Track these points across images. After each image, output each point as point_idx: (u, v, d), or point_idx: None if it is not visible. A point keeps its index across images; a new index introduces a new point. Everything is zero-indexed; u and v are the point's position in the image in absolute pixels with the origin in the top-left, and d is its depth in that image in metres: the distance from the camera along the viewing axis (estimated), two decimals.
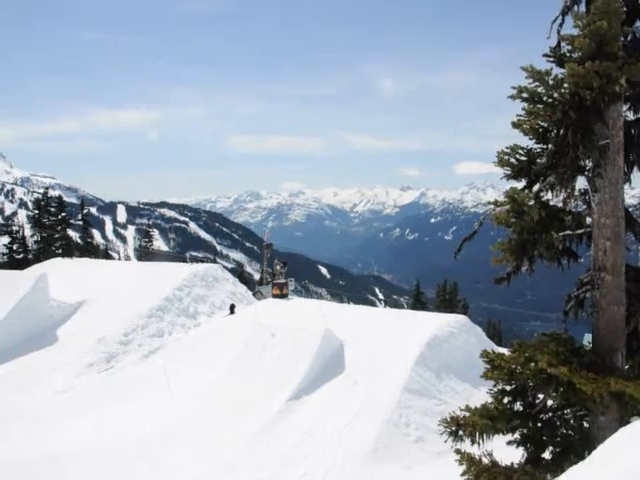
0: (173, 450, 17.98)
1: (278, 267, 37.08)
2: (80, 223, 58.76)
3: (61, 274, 34.09)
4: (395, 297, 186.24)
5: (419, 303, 54.54)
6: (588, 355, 8.09)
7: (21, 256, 50.27)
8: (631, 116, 8.69)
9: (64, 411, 20.89)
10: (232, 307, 30.86)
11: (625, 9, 7.77)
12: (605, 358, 8.11)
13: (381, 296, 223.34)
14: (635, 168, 8.81)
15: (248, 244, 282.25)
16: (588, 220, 8.62)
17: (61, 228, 51.27)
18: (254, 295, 36.97)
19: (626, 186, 8.54)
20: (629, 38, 8.22)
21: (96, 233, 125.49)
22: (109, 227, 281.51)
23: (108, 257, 76.90)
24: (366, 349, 22.62)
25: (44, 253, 47.38)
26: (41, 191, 54.12)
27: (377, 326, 25.04)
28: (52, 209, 51.83)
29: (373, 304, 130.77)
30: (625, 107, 8.45)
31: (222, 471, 16.62)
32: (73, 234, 57.94)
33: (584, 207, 8.77)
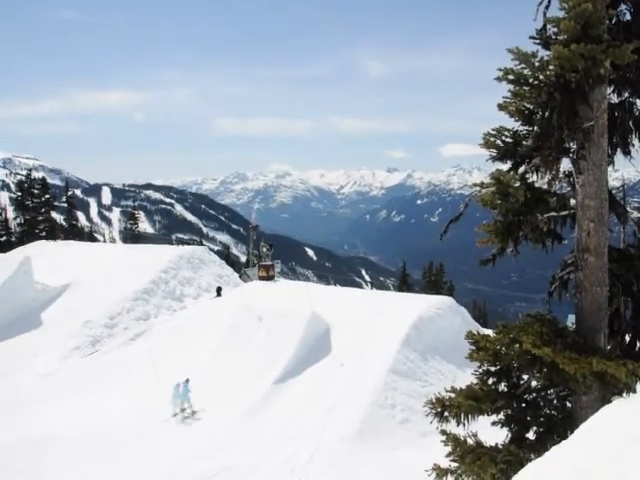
0: (159, 433, 18.03)
1: (264, 249, 37.05)
2: (64, 205, 58.25)
3: (45, 257, 33.84)
4: (381, 279, 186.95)
5: (405, 285, 54.77)
6: (571, 336, 8.15)
7: (4, 239, 49.91)
8: (615, 99, 8.70)
9: (48, 395, 20.84)
10: (219, 289, 30.84)
11: None
12: (588, 338, 8.18)
13: (367, 278, 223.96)
14: (618, 150, 8.83)
15: (234, 226, 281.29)
16: (572, 202, 8.64)
17: (45, 210, 50.83)
18: (240, 277, 36.96)
19: (610, 168, 8.57)
20: (613, 21, 8.20)
21: (81, 215, 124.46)
22: (94, 209, 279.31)
23: (93, 240, 76.40)
24: (352, 331, 22.71)
25: (28, 236, 46.98)
26: (24, 173, 53.40)
27: (363, 308, 25.13)
28: (35, 191, 51.32)
29: (359, 286, 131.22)
30: (609, 90, 8.45)
31: (209, 454, 16.70)
32: (57, 216, 57.46)
33: (569, 189, 8.78)
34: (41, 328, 26.91)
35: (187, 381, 19.56)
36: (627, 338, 8.88)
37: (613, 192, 8.93)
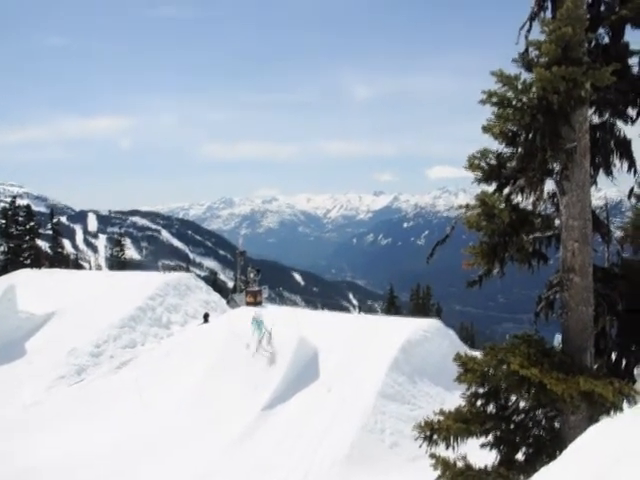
0: (147, 463, 17.74)
1: (252, 274, 36.89)
2: (50, 232, 57.89)
3: (30, 285, 33.46)
4: (369, 302, 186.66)
5: (393, 308, 54.76)
6: (558, 355, 8.17)
7: None
8: (596, 120, 8.84)
9: (33, 426, 20.45)
10: (206, 316, 30.62)
11: (589, 16, 7.92)
12: (574, 358, 8.20)
13: (355, 302, 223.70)
14: (601, 171, 8.95)
15: (221, 252, 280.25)
16: (557, 222, 8.72)
17: (29, 238, 50.41)
18: (228, 303, 36.75)
19: (593, 188, 8.67)
20: (593, 44, 8.37)
21: (66, 242, 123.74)
22: (80, 236, 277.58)
23: (79, 267, 75.87)
24: (340, 355, 22.61)
25: (12, 264, 46.46)
26: (8, 200, 52.98)
27: (351, 332, 25.04)
28: (20, 218, 50.90)
29: (347, 310, 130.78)
30: (591, 111, 8.60)
31: None
32: (42, 244, 57.05)
33: (553, 210, 8.87)
34: (25, 357, 26.50)
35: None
36: (613, 357, 8.92)
37: (596, 212, 9.03)
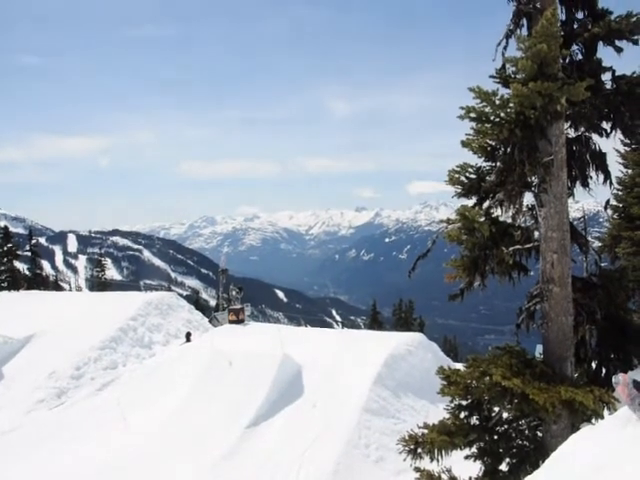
0: None
1: (234, 292, 36.79)
2: (28, 254, 57.20)
3: (7, 308, 33.04)
4: (352, 318, 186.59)
5: (376, 323, 54.73)
6: (540, 366, 8.26)
7: None
8: (572, 134, 9.03)
9: (12, 451, 20.03)
10: (188, 335, 30.43)
11: (562, 33, 8.12)
12: (555, 367, 8.30)
13: (338, 318, 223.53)
14: (578, 183, 9.11)
15: (204, 270, 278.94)
16: (536, 234, 8.86)
17: (7, 260, 49.72)
18: (210, 322, 36.56)
19: (570, 200, 8.83)
20: (567, 60, 8.57)
21: (45, 264, 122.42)
22: (59, 257, 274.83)
23: (58, 288, 75.03)
24: (324, 371, 22.56)
25: None
26: None
27: (335, 348, 25.02)
28: None
29: (330, 326, 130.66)
30: (567, 125, 8.78)
31: None
32: (21, 265, 56.30)
33: (532, 222, 9.01)
34: (3, 382, 25.96)
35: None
36: (593, 365, 9.03)
37: (574, 223, 9.18)
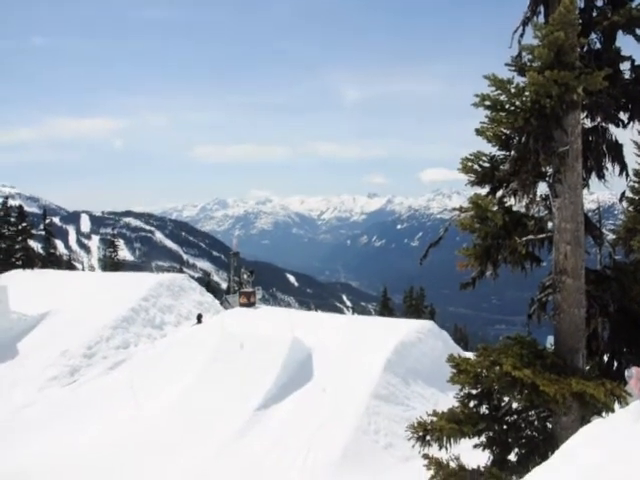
0: (141, 464, 17.67)
1: (245, 276, 36.91)
2: (42, 233, 57.55)
3: (22, 286, 33.32)
4: (363, 304, 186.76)
5: (386, 309, 54.76)
6: (551, 357, 8.23)
7: None
8: (588, 124, 8.92)
9: (24, 427, 20.34)
10: (199, 317, 30.60)
11: (581, 21, 7.99)
12: (567, 359, 8.26)
13: (349, 303, 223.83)
14: (593, 174, 9.02)
15: (215, 253, 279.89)
16: (549, 225, 8.79)
17: (22, 239, 50.05)
18: (221, 304, 36.71)
19: (585, 191, 8.75)
20: (585, 49, 8.44)
21: (59, 243, 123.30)
22: (72, 237, 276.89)
23: (71, 268, 75.68)
24: (334, 356, 22.63)
25: (3, 265, 46.16)
26: (0, 201, 52.48)
27: (345, 333, 25.07)
28: (12, 219, 50.52)
29: (341, 311, 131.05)
30: (583, 115, 8.67)
31: None
32: (35, 245, 56.69)
33: (546, 212, 8.93)
34: (17, 358, 26.34)
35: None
36: (605, 358, 8.99)
37: (589, 215, 9.10)
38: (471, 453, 8.88)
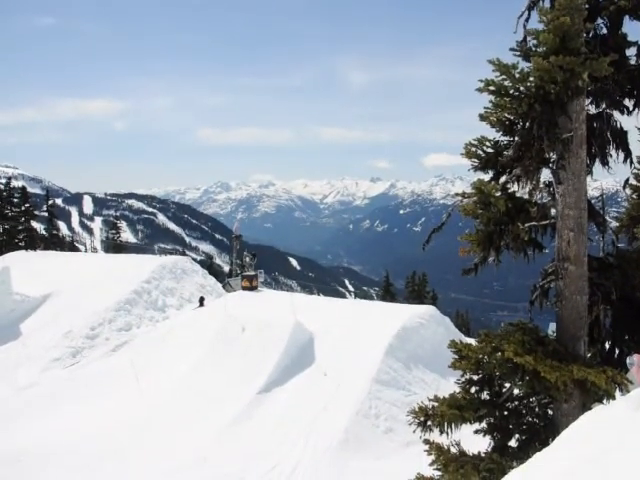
0: (142, 446, 17.81)
1: (247, 259, 36.98)
2: (45, 214, 57.62)
3: (25, 267, 33.44)
4: (365, 288, 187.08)
5: (389, 294, 54.85)
6: (552, 344, 8.24)
7: None
8: (593, 110, 8.86)
9: (28, 408, 20.48)
10: (201, 300, 30.69)
11: (587, 6, 7.90)
12: (568, 346, 8.27)
13: (351, 288, 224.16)
14: (597, 161, 8.97)
15: (218, 236, 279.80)
16: (553, 211, 8.75)
17: (25, 220, 50.17)
18: (224, 287, 36.80)
19: (589, 178, 8.71)
20: (591, 35, 8.36)
21: (62, 225, 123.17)
22: (75, 219, 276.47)
23: (74, 249, 75.77)
24: (336, 341, 22.72)
25: (7, 246, 46.30)
26: (3, 181, 52.44)
27: (347, 318, 25.15)
28: (15, 200, 50.59)
29: (343, 296, 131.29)
30: (588, 101, 8.61)
31: (192, 466, 16.57)
32: (38, 226, 56.79)
33: (549, 199, 8.90)
34: (20, 339, 26.50)
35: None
36: (607, 346, 9.00)
37: (592, 202, 9.06)
38: (472, 439, 8.93)
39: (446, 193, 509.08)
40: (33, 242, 48.62)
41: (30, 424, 19.27)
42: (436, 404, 8.90)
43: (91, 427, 18.97)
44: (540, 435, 8.48)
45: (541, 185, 8.67)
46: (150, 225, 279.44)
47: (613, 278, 8.64)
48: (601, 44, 8.20)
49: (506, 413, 8.80)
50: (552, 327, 9.09)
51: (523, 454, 8.10)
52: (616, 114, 8.89)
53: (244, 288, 32.70)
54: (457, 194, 8.95)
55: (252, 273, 34.06)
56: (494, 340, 8.33)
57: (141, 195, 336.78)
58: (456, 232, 8.89)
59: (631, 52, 8.44)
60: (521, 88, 7.79)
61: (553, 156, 8.34)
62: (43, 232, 58.58)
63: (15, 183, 59.53)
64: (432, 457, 8.84)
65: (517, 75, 7.72)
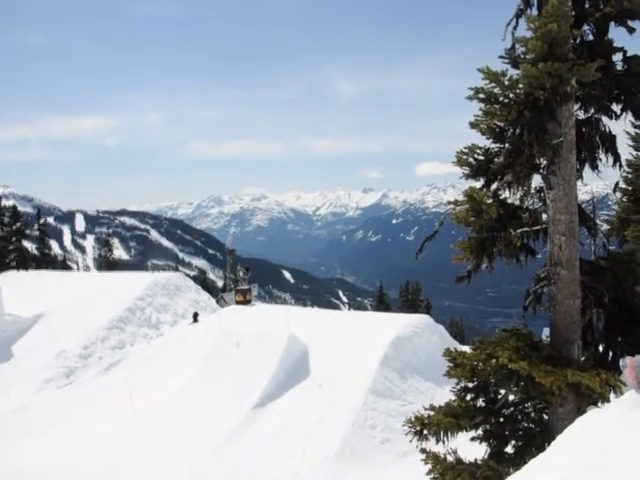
0: (137, 465, 17.63)
1: (241, 273, 36.96)
2: (36, 233, 57.31)
3: (16, 287, 33.18)
4: (359, 299, 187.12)
5: (383, 304, 54.86)
6: (546, 349, 8.25)
7: None
8: (582, 115, 8.93)
9: (21, 429, 20.25)
10: (195, 315, 30.59)
11: (573, 13, 7.98)
12: (562, 351, 8.28)
13: (345, 299, 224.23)
14: (587, 165, 9.03)
15: (211, 251, 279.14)
16: (544, 217, 8.80)
17: (16, 239, 49.82)
18: (217, 302, 36.73)
19: (579, 183, 8.76)
20: (578, 41, 8.44)
21: (54, 243, 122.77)
22: (67, 237, 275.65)
23: (66, 268, 75.43)
24: (331, 352, 22.64)
25: None
26: None
27: (341, 329, 25.10)
28: (5, 219, 50.22)
29: (337, 307, 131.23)
30: (576, 107, 8.67)
31: None
32: (29, 245, 56.45)
33: (540, 204, 8.94)
34: (12, 360, 26.25)
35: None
36: (600, 349, 9.01)
37: (583, 206, 9.11)
38: (468, 446, 8.90)
39: (438, 201, 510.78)
40: (24, 262, 48.26)
41: (24, 445, 19.06)
42: (432, 413, 8.89)
43: (86, 447, 18.79)
44: (536, 440, 8.47)
45: (532, 191, 8.73)
46: (143, 242, 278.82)
47: (605, 281, 8.66)
48: (588, 50, 8.27)
49: (502, 419, 8.80)
50: (546, 332, 9.10)
51: (520, 460, 8.09)
52: (604, 119, 8.97)
53: (238, 302, 32.65)
54: (449, 202, 8.98)
55: (246, 287, 34.03)
56: (488, 347, 8.33)
57: (133, 212, 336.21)
58: (449, 240, 8.91)
59: (617, 57, 8.52)
60: (510, 95, 7.85)
61: (543, 162, 8.39)
62: (35, 251, 58.25)
63: (5, 202, 59.14)
64: (429, 466, 8.82)
65: (506, 82, 7.77)
